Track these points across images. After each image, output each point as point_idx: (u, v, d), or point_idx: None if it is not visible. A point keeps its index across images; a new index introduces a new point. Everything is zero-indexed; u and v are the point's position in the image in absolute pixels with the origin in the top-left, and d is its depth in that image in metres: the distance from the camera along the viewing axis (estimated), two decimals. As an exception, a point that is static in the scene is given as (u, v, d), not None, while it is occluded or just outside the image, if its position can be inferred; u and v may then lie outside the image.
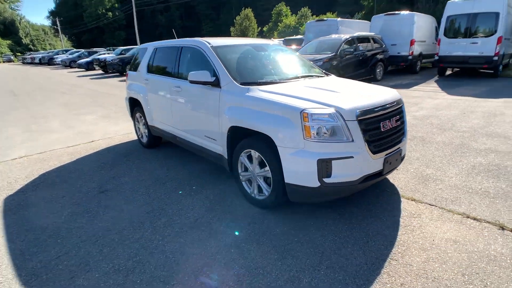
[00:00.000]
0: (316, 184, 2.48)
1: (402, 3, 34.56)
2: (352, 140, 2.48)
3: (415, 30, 12.07)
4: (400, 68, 13.57)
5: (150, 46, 4.74)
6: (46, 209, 3.17)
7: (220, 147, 3.30)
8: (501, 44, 10.00)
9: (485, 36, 10.12)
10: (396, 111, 2.90)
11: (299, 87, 3.08)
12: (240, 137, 3.05)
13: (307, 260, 2.22)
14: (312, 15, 52.25)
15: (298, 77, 3.49)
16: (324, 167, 2.44)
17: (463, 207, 2.82)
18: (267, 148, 2.72)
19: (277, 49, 4.09)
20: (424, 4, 30.27)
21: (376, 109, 2.66)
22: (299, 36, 20.28)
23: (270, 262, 2.21)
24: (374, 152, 2.59)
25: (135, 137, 5.58)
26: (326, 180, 2.47)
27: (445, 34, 10.92)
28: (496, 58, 9.98)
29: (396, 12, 12.57)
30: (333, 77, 3.79)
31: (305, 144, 2.46)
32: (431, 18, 13.87)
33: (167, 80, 4.06)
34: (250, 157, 2.97)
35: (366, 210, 2.85)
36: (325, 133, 2.45)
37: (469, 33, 10.46)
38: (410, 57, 12.15)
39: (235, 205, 3.07)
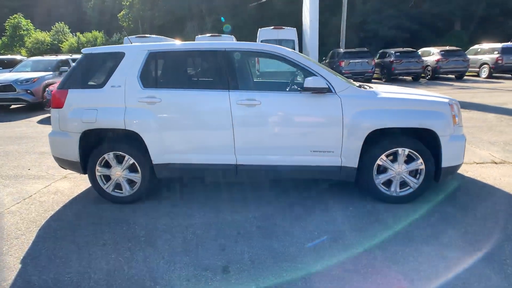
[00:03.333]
0: (462, 161, 3.05)
1: (170, 28, 37.79)
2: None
3: (236, 50, 14.14)
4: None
5: (134, 50, 3.18)
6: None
7: (339, 159, 3.01)
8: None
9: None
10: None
11: (395, 88, 3.44)
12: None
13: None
14: (71, 32, 46.03)
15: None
16: (464, 146, 3.06)
17: (470, 159, 4.25)
18: (418, 141, 2.94)
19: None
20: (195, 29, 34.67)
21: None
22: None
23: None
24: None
25: (62, 201, 3.48)
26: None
27: (265, 54, 13.63)
28: (298, 72, 13.67)
29: (218, 34, 14.14)
30: None
31: (455, 130, 2.96)
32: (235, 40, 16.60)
33: (216, 94, 3.02)
34: (389, 157, 3.01)
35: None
36: (459, 119, 3.06)
37: (279, 54, 13.68)
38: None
39: (380, 211, 2.98)
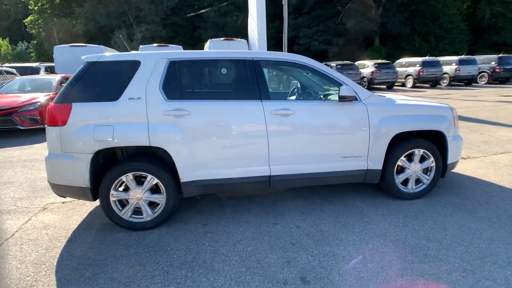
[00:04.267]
0: (459, 157, 3.52)
1: (94, 37, 35.12)
2: (454, 125, 3.73)
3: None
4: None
5: (151, 58, 2.91)
6: None
7: (366, 163, 3.21)
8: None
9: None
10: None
11: (398, 96, 3.79)
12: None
13: (501, 201, 3.29)
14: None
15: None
16: (460, 144, 3.55)
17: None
18: (429, 142, 3.31)
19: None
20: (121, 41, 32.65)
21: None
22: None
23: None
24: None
25: (61, 235, 3.06)
26: (459, 154, 3.58)
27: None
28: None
29: (165, 44, 13.63)
30: None
31: (455, 131, 3.42)
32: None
33: (249, 104, 2.96)
34: (406, 157, 3.31)
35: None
36: (457, 122, 3.53)
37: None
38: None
39: (404, 207, 3.25)
